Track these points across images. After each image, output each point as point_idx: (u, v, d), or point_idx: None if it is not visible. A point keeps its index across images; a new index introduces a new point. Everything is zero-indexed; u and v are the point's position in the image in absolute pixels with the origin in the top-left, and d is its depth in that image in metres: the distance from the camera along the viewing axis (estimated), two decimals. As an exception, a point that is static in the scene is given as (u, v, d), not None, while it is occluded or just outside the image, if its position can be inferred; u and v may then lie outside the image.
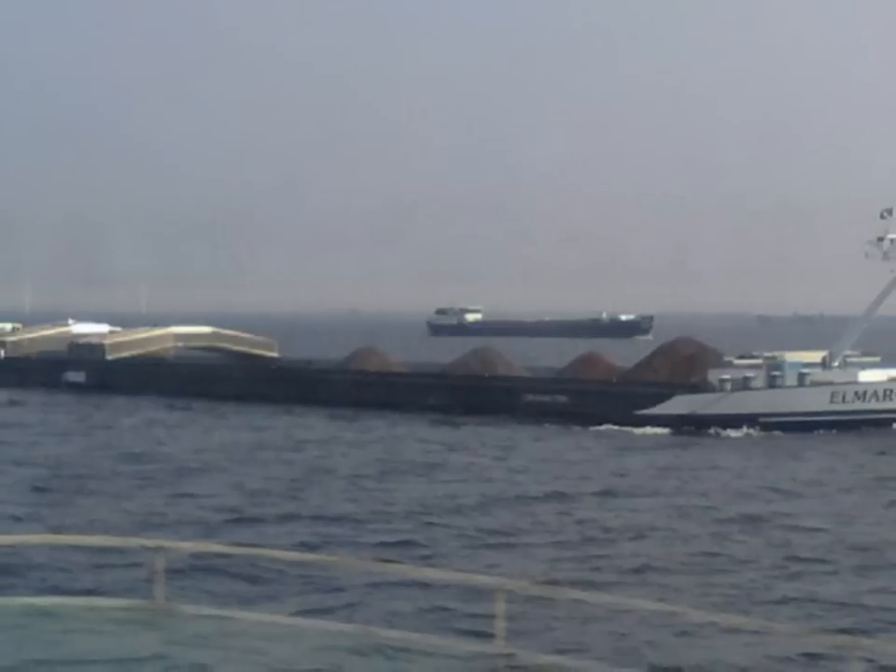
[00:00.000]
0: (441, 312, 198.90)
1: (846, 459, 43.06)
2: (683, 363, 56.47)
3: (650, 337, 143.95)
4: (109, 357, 75.25)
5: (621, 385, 56.52)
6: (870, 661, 8.45)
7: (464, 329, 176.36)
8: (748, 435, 49.92)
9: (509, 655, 9.12)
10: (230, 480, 36.63)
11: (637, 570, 24.79)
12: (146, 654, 9.34)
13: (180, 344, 79.65)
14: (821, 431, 49.76)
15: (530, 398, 56.95)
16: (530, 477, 37.96)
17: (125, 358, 75.53)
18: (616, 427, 50.89)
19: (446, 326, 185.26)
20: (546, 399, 56.37)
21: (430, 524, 29.87)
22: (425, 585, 20.99)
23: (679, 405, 51.94)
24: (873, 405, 51.27)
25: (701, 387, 52.76)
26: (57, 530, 26.54)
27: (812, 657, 17.25)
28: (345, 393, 61.79)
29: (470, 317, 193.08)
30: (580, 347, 74.17)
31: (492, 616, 9.08)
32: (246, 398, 63.44)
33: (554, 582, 21.28)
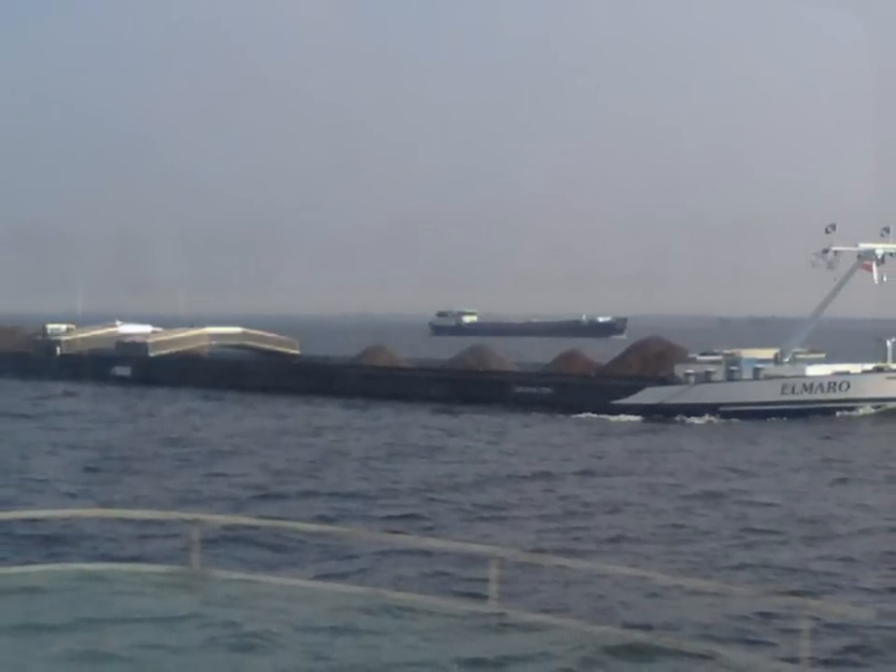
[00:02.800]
0: (441, 314, 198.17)
1: (795, 443, 43.06)
2: (653, 359, 56.43)
3: (624, 336, 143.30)
4: (152, 354, 75.17)
5: (598, 378, 56.46)
6: (817, 619, 8.45)
7: (462, 330, 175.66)
8: (709, 422, 49.90)
9: (500, 614, 9.11)
10: (257, 461, 36.61)
11: (612, 540, 24.77)
12: (183, 613, 9.35)
13: (214, 343, 79.54)
14: (774, 419, 49.74)
15: (519, 389, 56.92)
16: (519, 459, 37.94)
17: (166, 355, 75.44)
18: (594, 416, 50.86)
19: (446, 326, 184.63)
20: (533, 390, 56.34)
21: (432, 499, 29.85)
22: (427, 553, 20.95)
23: (650, 396, 51.92)
24: (819, 396, 51.26)
25: (668, 380, 52.72)
26: (106, 505, 26.48)
27: (766, 616, 17.22)
28: (358, 385, 61.75)
29: (467, 319, 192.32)
30: (563, 345, 73.98)
31: (486, 580, 9.07)
32: (271, 389, 63.40)
33: (541, 551, 21.27)
